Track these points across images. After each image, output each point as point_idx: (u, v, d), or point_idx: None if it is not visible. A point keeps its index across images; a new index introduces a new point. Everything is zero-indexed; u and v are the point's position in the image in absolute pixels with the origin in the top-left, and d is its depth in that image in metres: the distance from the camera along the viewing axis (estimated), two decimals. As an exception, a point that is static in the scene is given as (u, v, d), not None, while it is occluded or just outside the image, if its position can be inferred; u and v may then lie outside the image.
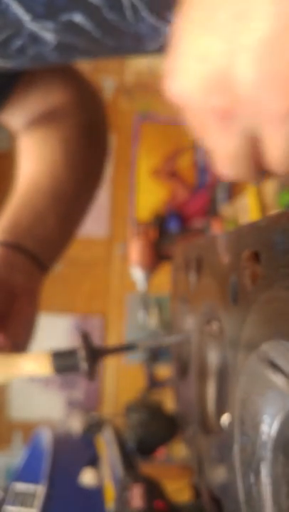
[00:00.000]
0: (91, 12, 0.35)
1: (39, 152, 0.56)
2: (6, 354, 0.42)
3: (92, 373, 0.41)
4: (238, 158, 0.25)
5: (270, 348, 0.24)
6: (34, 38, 0.37)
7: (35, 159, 0.57)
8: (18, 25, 0.35)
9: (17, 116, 0.58)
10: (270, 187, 1.31)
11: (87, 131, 0.59)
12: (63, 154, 0.56)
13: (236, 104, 0.22)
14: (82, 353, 0.41)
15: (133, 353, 0.52)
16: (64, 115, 0.58)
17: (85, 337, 0.42)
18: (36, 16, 0.35)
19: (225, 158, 0.25)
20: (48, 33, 0.36)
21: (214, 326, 0.39)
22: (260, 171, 0.25)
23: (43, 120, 0.57)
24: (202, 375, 0.41)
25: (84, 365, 0.41)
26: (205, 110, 0.23)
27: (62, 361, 0.41)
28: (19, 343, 0.46)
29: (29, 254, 0.49)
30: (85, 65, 0.64)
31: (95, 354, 0.42)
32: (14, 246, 0.48)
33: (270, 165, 0.25)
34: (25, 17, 0.35)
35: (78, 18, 0.35)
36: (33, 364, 0.41)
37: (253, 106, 0.21)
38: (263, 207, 1.35)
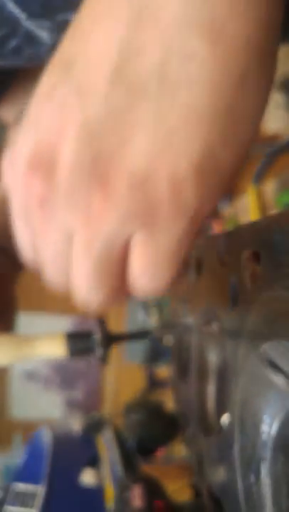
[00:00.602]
0: None
1: None
2: (20, 334, 0.42)
3: (105, 358, 0.41)
4: (57, 263, 0.20)
5: (270, 348, 0.24)
6: (30, 38, 0.37)
7: None
8: (14, 24, 0.35)
9: (13, 114, 0.58)
10: (270, 187, 1.31)
11: None
12: None
13: (54, 193, 0.17)
14: (98, 336, 0.41)
15: (141, 340, 0.52)
16: None
17: (101, 321, 0.42)
18: (32, 15, 0.35)
19: (46, 260, 0.20)
20: (44, 33, 0.36)
21: (214, 326, 0.39)
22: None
23: None
24: (202, 375, 0.41)
25: (99, 349, 0.41)
26: (26, 191, 0.18)
27: (77, 343, 0.40)
28: (6, 327, 0.46)
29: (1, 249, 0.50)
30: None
31: (110, 339, 0.42)
32: None
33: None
34: (21, 16, 0.35)
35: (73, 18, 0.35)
36: (47, 345, 0.40)
37: (67, 200, 0.17)
38: (263, 207, 1.34)
